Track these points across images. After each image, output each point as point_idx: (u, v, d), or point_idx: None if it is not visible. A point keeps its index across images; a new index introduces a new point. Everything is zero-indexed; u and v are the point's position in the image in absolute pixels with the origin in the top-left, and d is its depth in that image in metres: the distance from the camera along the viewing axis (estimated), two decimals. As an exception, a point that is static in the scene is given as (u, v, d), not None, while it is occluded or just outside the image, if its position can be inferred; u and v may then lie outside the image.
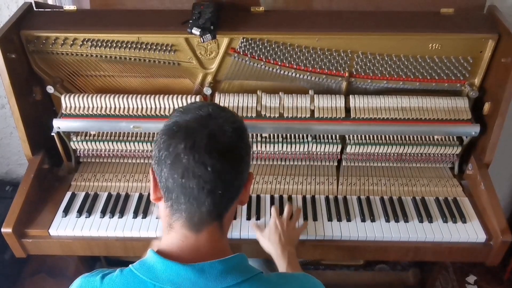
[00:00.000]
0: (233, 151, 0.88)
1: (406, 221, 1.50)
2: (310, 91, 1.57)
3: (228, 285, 0.85)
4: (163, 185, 0.89)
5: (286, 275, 1.00)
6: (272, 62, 1.54)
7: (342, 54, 1.52)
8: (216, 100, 1.56)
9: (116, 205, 1.55)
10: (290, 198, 1.57)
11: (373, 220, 1.50)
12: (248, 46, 1.51)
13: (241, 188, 0.93)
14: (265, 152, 1.61)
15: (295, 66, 1.54)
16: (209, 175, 0.84)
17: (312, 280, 0.98)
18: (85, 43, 1.50)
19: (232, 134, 0.88)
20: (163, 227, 0.95)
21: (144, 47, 1.51)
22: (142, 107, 1.54)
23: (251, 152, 0.99)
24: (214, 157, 0.84)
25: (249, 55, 1.52)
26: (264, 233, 1.40)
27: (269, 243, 1.35)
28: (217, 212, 0.90)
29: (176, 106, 1.54)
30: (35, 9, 1.60)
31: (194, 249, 0.90)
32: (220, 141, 0.86)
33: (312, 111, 1.54)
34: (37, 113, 1.60)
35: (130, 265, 0.89)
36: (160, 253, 0.89)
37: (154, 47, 1.51)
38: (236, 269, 0.88)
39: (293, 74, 1.55)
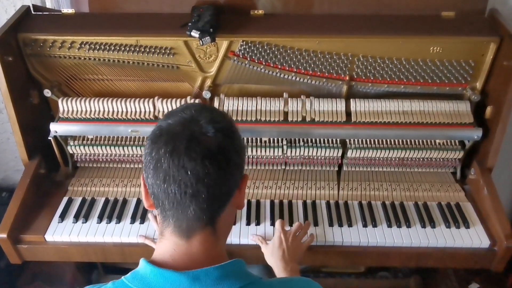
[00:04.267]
0: (217, 154, 0.83)
1: (408, 226, 1.48)
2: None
3: None
4: (151, 192, 0.86)
5: (287, 279, 0.97)
6: (272, 65, 1.52)
7: (343, 58, 1.50)
8: (215, 104, 1.54)
9: (113, 211, 1.52)
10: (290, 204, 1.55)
11: (374, 226, 1.48)
12: (247, 49, 1.49)
13: (232, 192, 0.89)
14: (265, 157, 1.59)
15: (295, 70, 1.53)
16: (190, 179, 0.80)
17: (314, 285, 0.96)
18: (83, 46, 1.49)
19: (215, 135, 0.83)
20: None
21: (143, 50, 1.50)
22: (140, 111, 1.53)
23: (244, 153, 0.94)
24: (194, 160, 0.80)
25: (248, 59, 1.51)
26: (268, 246, 1.36)
27: (272, 258, 1.31)
28: (207, 217, 0.86)
29: (174, 110, 1.52)
30: (33, 12, 1.59)
31: (186, 256, 0.86)
32: (201, 144, 0.82)
33: (317, 115, 1.53)
34: (34, 117, 1.58)
35: (122, 277, 0.86)
36: (153, 262, 0.86)
37: (153, 50, 1.50)
38: (233, 275, 0.84)
39: (293, 78, 1.54)
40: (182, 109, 0.88)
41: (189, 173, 0.80)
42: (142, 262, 0.86)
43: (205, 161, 0.81)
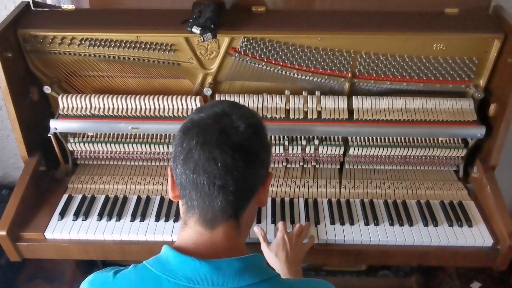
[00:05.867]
0: (246, 148, 0.86)
1: (411, 225, 1.47)
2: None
3: (245, 284, 0.82)
4: (178, 182, 0.89)
5: (304, 280, 0.97)
6: (273, 62, 1.51)
7: (345, 54, 1.49)
8: (217, 101, 1.53)
9: (113, 208, 1.52)
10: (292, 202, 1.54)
11: (376, 224, 1.47)
12: (249, 46, 1.48)
13: (257, 187, 0.91)
14: (266, 154, 1.58)
15: (297, 67, 1.51)
16: (219, 170, 0.83)
17: (330, 287, 0.95)
18: (83, 42, 1.48)
19: (245, 131, 0.86)
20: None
21: (143, 46, 1.48)
22: (141, 108, 1.52)
23: (271, 151, 0.97)
24: (224, 152, 0.83)
25: (250, 55, 1.50)
26: (270, 247, 1.35)
27: (276, 259, 1.30)
28: (232, 210, 0.88)
29: (175, 107, 1.51)
30: (32, 8, 1.58)
31: (209, 245, 0.88)
32: (232, 137, 0.85)
33: (319, 112, 1.51)
34: (34, 114, 1.57)
35: (144, 261, 0.88)
36: (175, 248, 0.87)
37: (154, 47, 1.49)
38: (253, 269, 0.86)
39: (295, 75, 1.52)
40: (213, 105, 0.91)
41: (219, 164, 0.83)
42: (164, 248, 0.88)
43: (235, 154, 0.83)
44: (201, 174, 0.83)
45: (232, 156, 0.83)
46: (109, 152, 1.60)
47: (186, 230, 0.90)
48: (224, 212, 0.87)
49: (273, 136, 1.56)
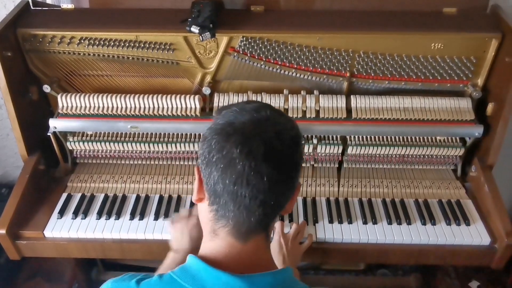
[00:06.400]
0: (289, 161, 0.84)
1: (409, 223, 1.47)
2: (302, 92, 1.54)
3: None
4: (210, 188, 0.84)
5: None
6: (272, 61, 1.51)
7: (343, 54, 1.49)
8: (215, 100, 1.53)
9: (112, 207, 1.52)
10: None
11: (375, 223, 1.47)
12: (248, 45, 1.48)
13: (290, 198, 0.89)
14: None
15: (295, 66, 1.52)
16: (264, 184, 0.79)
17: None
18: (82, 41, 1.48)
19: (290, 143, 0.83)
20: (204, 231, 0.91)
21: (142, 46, 1.49)
22: (140, 107, 1.52)
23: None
24: (271, 166, 0.79)
25: (248, 55, 1.50)
26: None
27: None
28: (265, 223, 0.86)
29: (174, 106, 1.51)
30: (32, 7, 1.58)
31: (240, 258, 0.85)
32: (277, 150, 0.81)
33: (317, 111, 1.52)
34: (33, 113, 1.57)
35: (169, 271, 0.84)
36: (204, 259, 0.84)
37: (153, 46, 1.49)
38: (285, 283, 0.84)
39: (294, 74, 1.53)
40: (254, 109, 0.85)
41: (265, 179, 0.79)
42: (192, 259, 0.85)
43: (281, 167, 0.81)
44: (243, 187, 0.79)
45: (278, 170, 0.80)
46: (108, 151, 1.61)
47: (216, 241, 0.86)
48: (259, 225, 0.85)
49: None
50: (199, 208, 0.92)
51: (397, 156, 1.59)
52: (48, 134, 1.54)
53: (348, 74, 1.53)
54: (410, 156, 1.59)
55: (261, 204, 0.81)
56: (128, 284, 0.86)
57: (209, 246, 0.88)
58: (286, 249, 1.31)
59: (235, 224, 0.84)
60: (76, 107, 1.53)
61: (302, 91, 1.55)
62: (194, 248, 1.17)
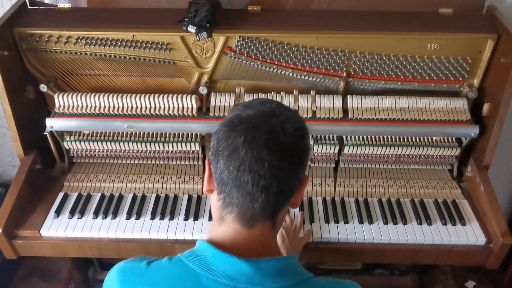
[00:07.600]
0: (293, 151, 0.86)
1: (405, 223, 1.47)
2: (294, 91, 1.54)
3: (283, 285, 0.83)
4: (217, 177, 0.87)
5: (336, 281, 0.98)
6: (268, 61, 1.52)
7: (340, 54, 1.50)
8: (212, 100, 1.54)
9: (109, 206, 1.52)
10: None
11: (371, 222, 1.48)
12: (244, 45, 1.49)
13: (295, 190, 0.91)
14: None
15: (292, 66, 1.52)
16: (265, 171, 0.82)
17: None
18: (79, 41, 1.48)
19: (293, 134, 0.86)
20: (213, 220, 0.93)
21: (139, 45, 1.49)
22: (136, 107, 1.52)
23: (310, 155, 0.97)
24: (272, 153, 0.82)
25: (245, 54, 1.50)
26: None
27: None
28: (271, 211, 0.88)
29: (171, 106, 1.52)
30: (29, 6, 1.58)
31: (246, 244, 0.87)
32: (280, 139, 0.84)
33: (314, 111, 1.52)
34: (30, 112, 1.57)
35: (179, 254, 0.87)
36: (212, 243, 0.86)
37: (149, 46, 1.49)
38: (291, 270, 0.86)
39: (290, 74, 1.53)
40: (260, 103, 0.90)
41: (266, 165, 0.82)
42: (201, 243, 0.87)
43: (283, 156, 0.83)
44: (246, 173, 0.82)
45: (279, 157, 0.83)
46: (105, 150, 1.61)
47: (223, 227, 0.89)
48: (264, 212, 0.86)
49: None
50: (211, 200, 0.95)
51: (393, 156, 1.60)
52: (45, 133, 1.54)
53: (344, 74, 1.53)
54: (406, 156, 1.60)
55: (263, 190, 0.83)
56: (138, 265, 0.89)
57: (217, 231, 0.90)
58: (288, 241, 1.33)
59: (240, 210, 0.86)
60: (73, 106, 1.53)
61: (294, 91, 1.55)
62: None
